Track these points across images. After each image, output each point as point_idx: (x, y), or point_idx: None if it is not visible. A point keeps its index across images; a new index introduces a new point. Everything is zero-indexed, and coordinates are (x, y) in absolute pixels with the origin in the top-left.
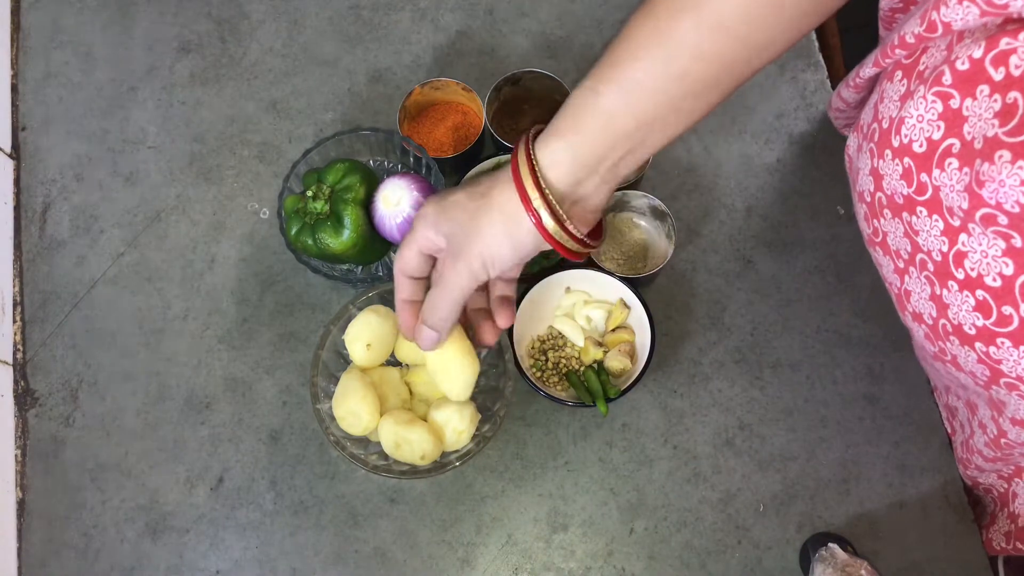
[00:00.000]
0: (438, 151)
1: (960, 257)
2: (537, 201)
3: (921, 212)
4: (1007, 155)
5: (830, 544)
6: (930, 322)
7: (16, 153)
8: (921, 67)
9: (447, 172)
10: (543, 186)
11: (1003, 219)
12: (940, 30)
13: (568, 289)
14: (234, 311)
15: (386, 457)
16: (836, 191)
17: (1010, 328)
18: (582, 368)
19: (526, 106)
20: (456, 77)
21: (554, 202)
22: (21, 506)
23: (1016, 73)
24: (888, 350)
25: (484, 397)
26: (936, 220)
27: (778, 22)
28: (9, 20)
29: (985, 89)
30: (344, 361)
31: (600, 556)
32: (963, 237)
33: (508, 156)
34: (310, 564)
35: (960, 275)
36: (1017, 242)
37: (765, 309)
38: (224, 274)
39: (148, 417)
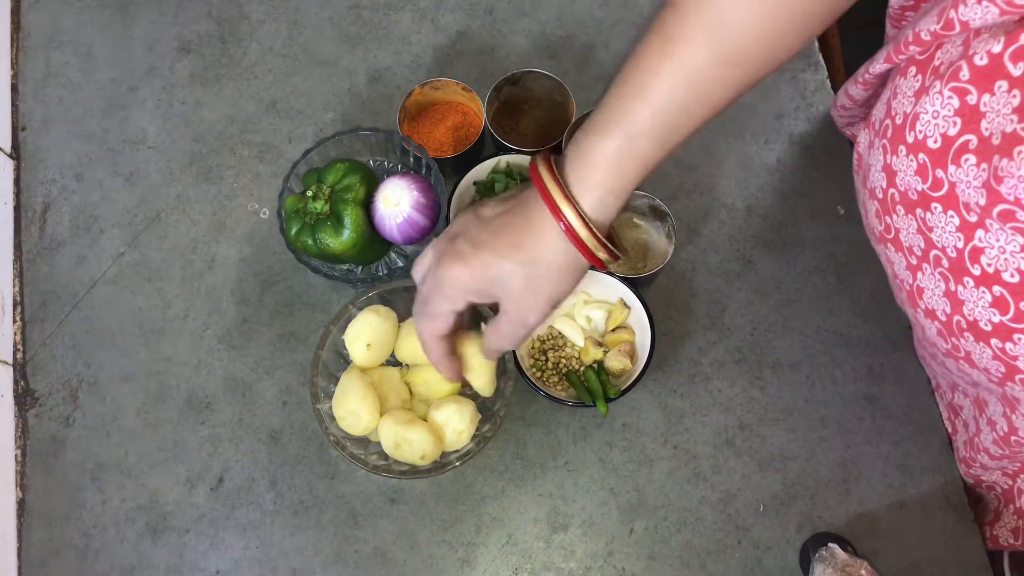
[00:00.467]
0: (438, 151)
1: (976, 253)
2: (580, 229)
3: (936, 208)
4: None
5: (830, 544)
6: (944, 318)
7: (16, 153)
8: (936, 62)
9: (447, 172)
10: (583, 214)
11: (1022, 215)
12: (957, 28)
13: None
14: (234, 311)
15: (386, 457)
16: (836, 191)
17: None
18: (582, 368)
19: (526, 106)
20: (456, 77)
21: (591, 225)
22: (21, 506)
23: None
24: (888, 350)
25: (484, 397)
26: (951, 216)
27: (792, 33)
28: (9, 20)
29: (1003, 85)
30: (344, 361)
31: (600, 556)
32: (980, 233)
33: (511, 157)
34: (310, 564)
35: (976, 271)
36: None
37: (765, 309)
38: (224, 274)
39: (148, 417)
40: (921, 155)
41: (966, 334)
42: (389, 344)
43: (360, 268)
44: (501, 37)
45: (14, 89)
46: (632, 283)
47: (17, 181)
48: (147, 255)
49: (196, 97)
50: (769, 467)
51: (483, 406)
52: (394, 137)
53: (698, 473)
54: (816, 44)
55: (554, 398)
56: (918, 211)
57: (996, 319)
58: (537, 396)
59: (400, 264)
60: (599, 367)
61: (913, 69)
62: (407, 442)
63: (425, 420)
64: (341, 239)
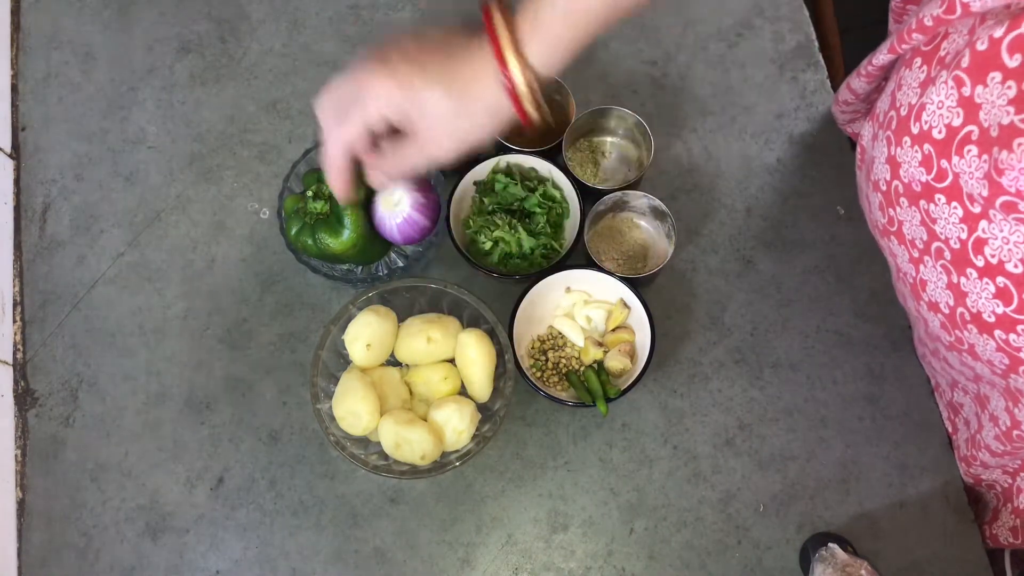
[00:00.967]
0: None
1: (980, 244)
2: (519, 80)
3: (940, 199)
4: None
5: (830, 544)
6: (947, 311)
7: (16, 153)
8: (942, 52)
9: (447, 172)
10: (527, 66)
11: (1023, 206)
12: (959, 11)
13: (568, 289)
14: (234, 311)
15: (386, 457)
16: (836, 191)
17: None
18: (582, 368)
19: None
20: None
21: (531, 76)
22: (21, 506)
23: None
24: (888, 350)
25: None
26: (955, 207)
27: None
28: (9, 20)
29: (996, 76)
30: (344, 361)
31: (600, 556)
32: (983, 224)
33: (511, 157)
34: (310, 564)
35: (980, 262)
36: None
37: (765, 309)
38: (224, 274)
39: (148, 417)
40: (927, 146)
41: (969, 326)
42: (389, 344)
43: (360, 268)
44: None
45: (14, 89)
46: (632, 283)
47: (17, 181)
48: (147, 255)
49: (196, 97)
50: (769, 467)
51: (483, 406)
52: None
53: (698, 473)
54: (816, 44)
55: (554, 398)
56: (922, 203)
57: (1000, 310)
58: (537, 396)
59: (400, 264)
60: (599, 367)
61: (919, 60)
62: (407, 442)
63: (425, 420)
64: (341, 239)
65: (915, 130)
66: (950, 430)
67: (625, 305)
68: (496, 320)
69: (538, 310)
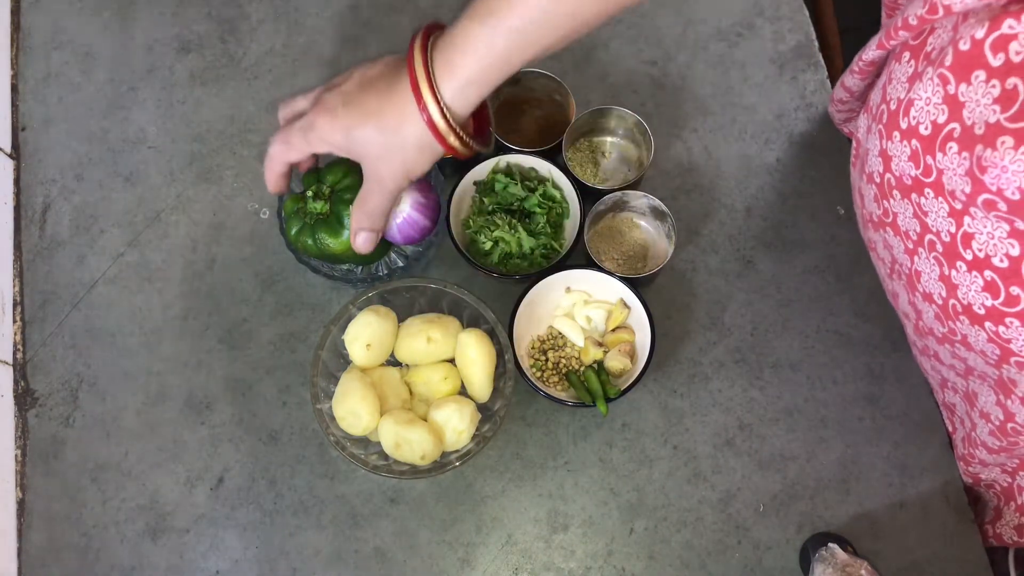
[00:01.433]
0: None
1: (968, 238)
2: (439, 119)
3: (928, 193)
4: (1010, 141)
5: (830, 544)
6: (940, 302)
7: (16, 153)
8: (928, 48)
9: (447, 172)
10: (443, 106)
11: (1003, 205)
12: (941, 12)
13: (568, 289)
14: (234, 311)
15: (386, 457)
16: (836, 191)
17: (1018, 308)
18: (582, 368)
19: (526, 106)
20: None
21: (449, 116)
22: (21, 506)
23: (1016, 59)
24: (888, 350)
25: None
26: (942, 202)
27: None
28: (9, 20)
29: (981, 75)
30: (344, 361)
31: (600, 556)
32: (967, 219)
33: (511, 157)
34: (310, 564)
35: (968, 256)
36: (1020, 225)
37: (765, 309)
38: (224, 274)
39: (148, 417)
40: (914, 141)
41: (961, 317)
42: (389, 344)
43: (360, 268)
44: None
45: (14, 89)
46: (632, 283)
47: (17, 181)
48: (147, 255)
49: (196, 97)
50: (769, 467)
51: (483, 406)
52: None
53: (698, 473)
54: (816, 44)
55: (554, 398)
56: (913, 196)
57: (989, 303)
58: (537, 396)
59: (400, 264)
60: (599, 367)
61: (907, 55)
62: (407, 442)
63: (425, 420)
64: (341, 239)
65: (903, 125)
66: (950, 429)
67: (625, 305)
68: (496, 320)
69: (538, 310)
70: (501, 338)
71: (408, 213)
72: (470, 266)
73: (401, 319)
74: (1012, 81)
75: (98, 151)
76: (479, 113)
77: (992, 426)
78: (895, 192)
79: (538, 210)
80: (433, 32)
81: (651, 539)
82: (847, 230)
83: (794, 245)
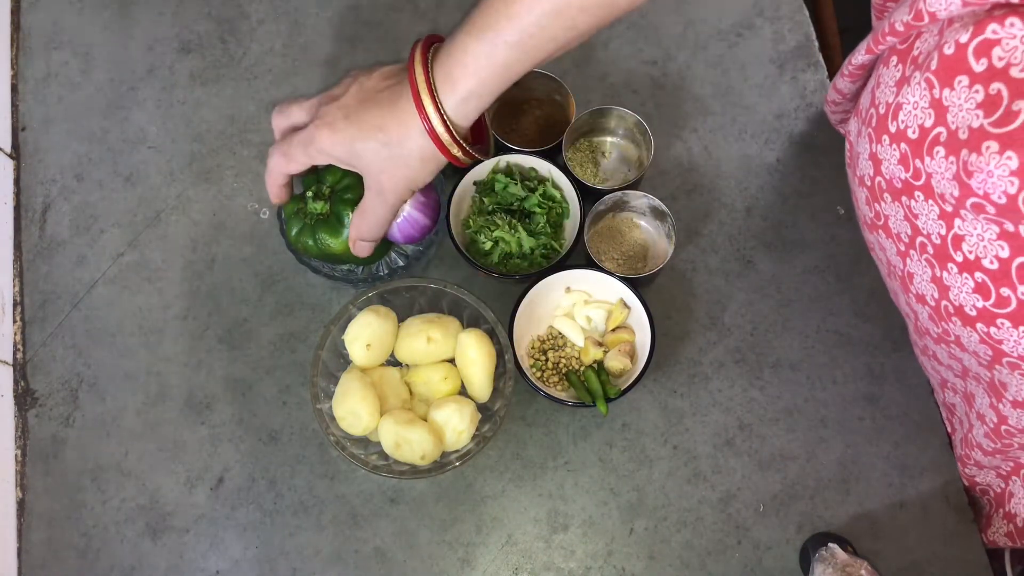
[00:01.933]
0: None
1: (958, 240)
2: (442, 132)
3: (919, 196)
4: (994, 146)
5: (830, 544)
6: (932, 304)
7: (16, 153)
8: (915, 52)
9: (447, 172)
10: (446, 119)
11: (991, 208)
12: (926, 19)
13: (568, 289)
14: (234, 311)
15: (386, 457)
16: (836, 191)
17: (1009, 309)
18: (582, 368)
19: (526, 106)
20: None
21: (452, 128)
22: (21, 506)
23: (999, 65)
24: (888, 350)
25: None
26: (932, 205)
27: None
28: (9, 20)
29: (964, 80)
30: (344, 361)
31: (600, 556)
32: (958, 222)
33: (511, 157)
34: (310, 564)
35: (959, 258)
36: (1009, 227)
37: (765, 309)
38: (224, 274)
39: (148, 417)
40: (903, 145)
41: (953, 319)
42: (389, 344)
43: (360, 268)
44: None
45: (14, 89)
46: (632, 283)
47: (17, 181)
48: (147, 255)
49: (196, 97)
50: (769, 467)
51: (483, 406)
52: None
53: (698, 473)
54: (816, 44)
55: (554, 398)
56: (903, 198)
57: (980, 304)
58: (537, 396)
59: (400, 264)
60: (599, 367)
61: (895, 59)
62: (407, 442)
63: (425, 420)
64: (341, 239)
65: (892, 129)
66: (949, 430)
67: (625, 305)
68: (496, 320)
69: (538, 310)
70: (501, 338)
71: (409, 212)
72: (470, 266)
73: (401, 319)
74: (996, 87)
75: (98, 151)
76: (477, 122)
77: (987, 428)
78: (886, 195)
79: (538, 210)
80: (432, 44)
81: (651, 539)
82: (847, 230)
83: (794, 245)
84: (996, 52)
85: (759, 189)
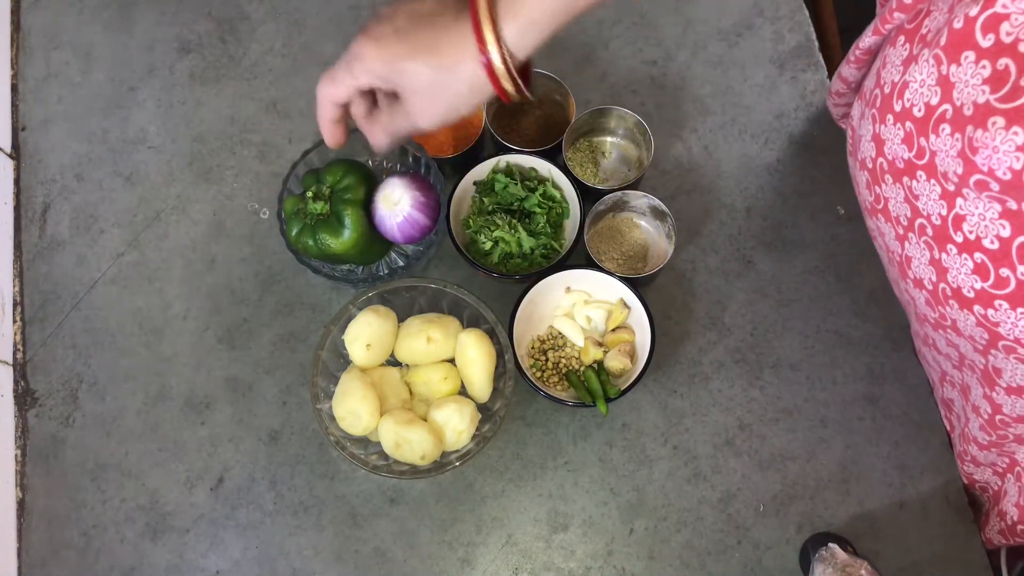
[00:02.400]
0: (438, 151)
1: (959, 220)
2: (498, 62)
3: (921, 176)
4: (1000, 121)
5: (830, 544)
6: (930, 287)
7: (16, 153)
8: (924, 30)
9: (447, 172)
10: (504, 48)
11: (995, 185)
12: None
13: (568, 289)
14: (234, 311)
15: (386, 457)
16: (836, 191)
17: (1007, 290)
18: (582, 368)
19: (526, 106)
20: None
21: (508, 59)
22: (21, 506)
23: (1007, 40)
24: (888, 350)
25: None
26: (934, 184)
27: None
28: (9, 20)
29: (970, 55)
30: (344, 361)
31: (600, 556)
32: (960, 201)
33: (511, 157)
34: (310, 564)
35: (959, 238)
36: (1012, 205)
37: (765, 309)
38: (224, 274)
39: (148, 417)
40: (908, 123)
41: (951, 301)
42: (389, 344)
43: (361, 268)
44: None
45: (14, 89)
46: (632, 283)
47: (17, 181)
48: (147, 255)
49: (196, 97)
50: (769, 467)
51: (483, 406)
52: None
53: (698, 473)
54: (816, 44)
55: (554, 398)
56: (905, 179)
57: (978, 286)
58: (537, 396)
59: (400, 264)
60: (599, 367)
61: (902, 38)
62: (407, 442)
63: (425, 420)
64: (341, 239)
65: (897, 108)
66: (948, 428)
67: (625, 305)
68: (496, 320)
69: (538, 310)
70: (501, 338)
71: (408, 212)
72: (470, 266)
73: (401, 319)
74: (1003, 62)
75: (98, 151)
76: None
77: (982, 420)
78: (887, 176)
79: (538, 210)
80: None
81: (651, 539)
82: (847, 230)
83: (794, 245)
84: (1004, 27)
85: (759, 189)
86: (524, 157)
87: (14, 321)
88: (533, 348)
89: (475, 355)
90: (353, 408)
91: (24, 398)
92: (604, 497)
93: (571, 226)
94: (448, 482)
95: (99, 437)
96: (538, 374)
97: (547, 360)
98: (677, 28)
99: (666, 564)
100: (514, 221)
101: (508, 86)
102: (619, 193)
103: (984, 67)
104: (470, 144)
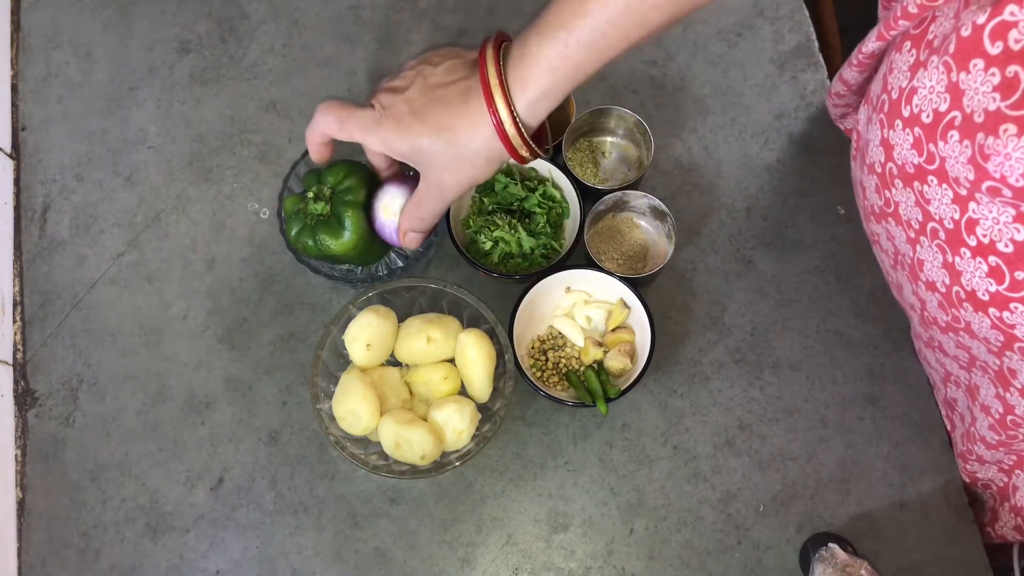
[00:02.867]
0: None
1: (972, 224)
2: (513, 133)
3: (932, 181)
4: (1013, 128)
5: (830, 544)
6: (943, 290)
7: (16, 153)
8: (930, 36)
9: None
10: (518, 121)
11: (1008, 192)
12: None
13: (568, 289)
14: (234, 311)
15: (386, 457)
16: (836, 191)
17: (1023, 293)
18: (582, 368)
19: None
20: None
21: (523, 129)
22: (21, 506)
23: (1016, 47)
24: (888, 350)
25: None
26: (946, 189)
27: None
28: (9, 20)
29: (979, 63)
30: (344, 361)
31: (600, 556)
32: (973, 205)
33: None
34: (310, 564)
35: (972, 242)
36: None
37: (765, 309)
38: (224, 274)
39: (148, 417)
40: (916, 129)
41: (965, 304)
42: (389, 344)
43: (360, 268)
44: None
45: (14, 89)
46: (632, 283)
47: (17, 181)
48: (147, 255)
49: (196, 97)
50: (769, 467)
51: (483, 406)
52: None
53: (698, 473)
54: (816, 44)
55: (554, 398)
56: (915, 184)
57: (993, 289)
58: (537, 396)
59: (400, 264)
60: (599, 367)
61: (908, 44)
62: (407, 442)
63: (425, 420)
64: (341, 240)
65: (906, 113)
66: (949, 428)
67: (625, 305)
68: (496, 320)
69: (538, 310)
70: (501, 338)
71: None
72: (470, 266)
73: (401, 319)
74: (1012, 69)
75: (98, 151)
76: None
77: (992, 420)
78: (897, 181)
79: (538, 210)
80: (501, 43)
81: (651, 539)
82: (847, 230)
83: (794, 245)
84: (1012, 35)
85: (759, 189)
86: None
87: (14, 321)
88: (533, 348)
89: (475, 355)
90: (353, 408)
91: (24, 398)
92: (604, 497)
93: (571, 226)
94: (448, 482)
95: (99, 437)
96: (538, 374)
97: (547, 360)
98: (677, 28)
99: (666, 564)
100: (514, 221)
101: (523, 153)
102: (619, 193)
103: (993, 74)
104: None
